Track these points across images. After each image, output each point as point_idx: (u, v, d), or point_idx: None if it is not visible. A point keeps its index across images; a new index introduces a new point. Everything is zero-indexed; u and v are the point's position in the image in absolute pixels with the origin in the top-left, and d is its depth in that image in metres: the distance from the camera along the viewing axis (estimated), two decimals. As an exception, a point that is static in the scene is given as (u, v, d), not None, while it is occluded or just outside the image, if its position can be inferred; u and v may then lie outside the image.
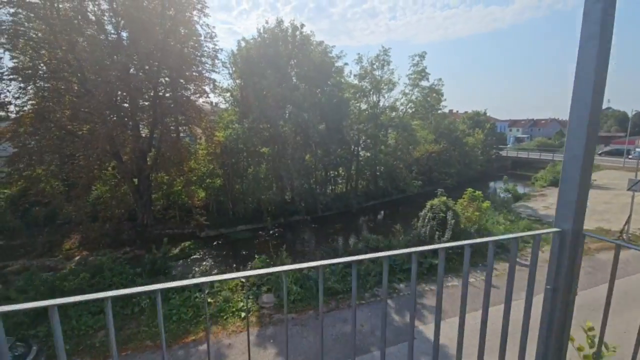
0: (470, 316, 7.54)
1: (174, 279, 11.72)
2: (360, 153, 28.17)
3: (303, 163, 22.33)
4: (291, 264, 10.48)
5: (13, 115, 13.56)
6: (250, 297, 10.93)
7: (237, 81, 21.80)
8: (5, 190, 19.16)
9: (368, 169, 28.41)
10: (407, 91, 29.75)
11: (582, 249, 1.69)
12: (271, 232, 20.47)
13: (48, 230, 18.64)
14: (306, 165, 23.07)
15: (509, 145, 63.12)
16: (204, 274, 13.07)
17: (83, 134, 15.12)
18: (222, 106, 24.68)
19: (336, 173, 26.77)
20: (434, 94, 29.28)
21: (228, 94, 22.49)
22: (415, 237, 14.74)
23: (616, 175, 34.81)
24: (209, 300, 10.53)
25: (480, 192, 16.87)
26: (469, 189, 17.24)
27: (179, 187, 20.28)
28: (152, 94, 16.39)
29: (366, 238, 15.21)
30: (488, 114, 51.29)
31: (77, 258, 16.01)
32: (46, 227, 18.87)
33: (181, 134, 19.68)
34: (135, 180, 18.02)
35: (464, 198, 17.20)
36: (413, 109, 29.58)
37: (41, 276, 11.01)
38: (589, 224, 19.16)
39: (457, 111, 60.62)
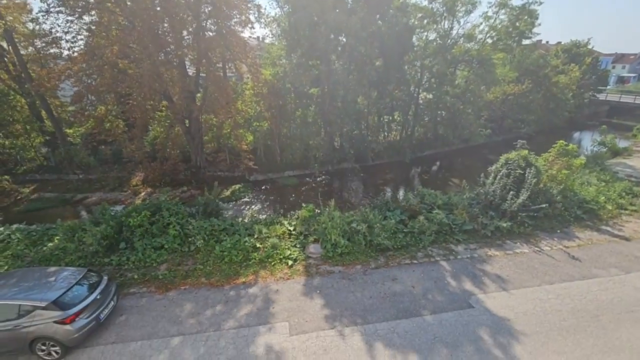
0: (542, 290, 5.97)
1: (224, 221, 11.99)
2: (421, 95, 24.86)
3: (355, 106, 20.43)
4: (339, 214, 9.77)
5: (66, 52, 13.91)
6: (297, 245, 10.76)
7: (285, 7, 19.45)
8: (79, 129, 21.01)
9: (428, 114, 25.32)
10: (490, 13, 24.13)
11: None
12: (318, 179, 19.99)
13: (117, 167, 20.47)
14: (358, 109, 21.12)
15: (609, 87, 51.74)
16: (253, 218, 13.24)
17: (132, 72, 15.13)
18: (268, 41, 22.93)
19: (391, 118, 24.33)
20: (526, 16, 23.23)
21: (275, 25, 20.44)
22: (481, 195, 12.90)
23: None
24: (258, 245, 10.60)
25: (574, 146, 13.84)
26: (560, 141, 14.22)
27: (228, 130, 20.25)
28: (194, 25, 15.40)
29: (422, 193, 13.75)
30: (590, 46, 41.11)
31: (142, 194, 17.45)
32: (115, 164, 20.70)
33: (227, 73, 18.88)
34: (187, 121, 18.22)
35: (550, 152, 14.34)
36: (495, 38, 24.16)
37: (111, 211, 12.03)
38: None
39: (548, 42, 49.81)
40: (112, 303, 7.69)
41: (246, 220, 12.79)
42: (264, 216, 14.38)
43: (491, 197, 12.46)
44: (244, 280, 9.21)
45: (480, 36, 24.28)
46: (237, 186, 19.23)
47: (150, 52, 13.49)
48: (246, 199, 18.29)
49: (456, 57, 22.46)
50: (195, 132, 18.31)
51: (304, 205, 12.64)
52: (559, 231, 11.94)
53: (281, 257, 10.13)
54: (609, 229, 12.10)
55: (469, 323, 7.57)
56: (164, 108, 18.63)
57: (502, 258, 10.33)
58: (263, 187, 19.98)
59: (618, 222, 12.51)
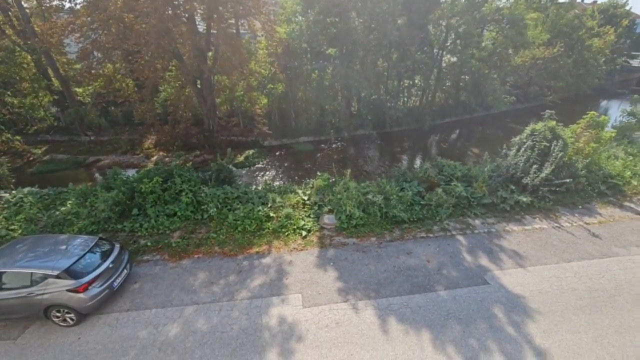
0: (559, 267, 5.65)
1: (238, 189, 11.89)
2: (444, 58, 23.15)
3: (374, 69, 19.22)
4: (355, 184, 9.48)
5: (68, 4, 13.01)
6: (311, 216, 10.67)
7: (302, -44, 17.65)
8: (88, 88, 20.52)
9: (450, 79, 23.77)
10: (525, -35, 21.50)
11: None
12: (334, 145, 19.52)
13: (128, 129, 20.27)
14: (377, 72, 19.89)
15: (646, 52, 47.44)
16: (267, 186, 13.10)
17: (139, 28, 14.22)
18: (283, -6, 21.12)
19: (411, 83, 22.97)
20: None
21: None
22: (502, 167, 12.34)
23: None
24: (272, 214, 10.55)
25: (606, 118, 12.86)
26: (591, 112, 13.19)
27: (241, 92, 19.48)
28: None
29: (440, 163, 13.24)
30: (628, 7, 37.10)
31: (155, 157, 17.39)
32: (126, 126, 20.47)
33: (240, 30, 17.69)
34: (198, 82, 17.51)
35: (579, 123, 13.40)
36: (529, -6, 21.85)
37: (123, 175, 11.97)
38: None
39: (583, 0, 45.05)
40: (125, 271, 7.79)
41: (260, 188, 12.66)
42: (278, 184, 14.25)
43: (513, 169, 11.90)
44: (257, 250, 9.27)
45: (514, -8, 21.85)
46: (251, 151, 18.98)
47: (156, 6, 12.53)
48: (260, 165, 18.10)
49: (485, 16, 20.40)
50: (208, 94, 17.67)
51: (319, 173, 12.37)
52: (580, 207, 11.51)
53: (295, 227, 10.09)
54: (632, 205, 11.60)
55: (484, 300, 7.54)
56: (173, 68, 17.85)
57: (520, 234, 10.08)
58: (277, 153, 19.67)
59: (642, 199, 11.96)
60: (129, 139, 19.21)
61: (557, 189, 11.47)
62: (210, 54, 17.34)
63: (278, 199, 11.21)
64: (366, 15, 17.02)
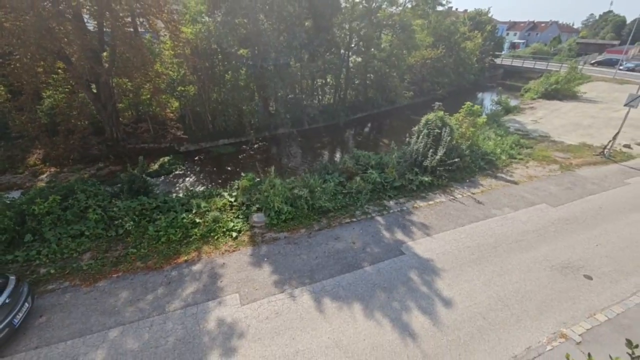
0: (456, 231, 7.33)
1: (156, 198, 11.06)
2: (351, 59, 25.22)
3: (288, 69, 19.78)
4: (280, 181, 9.89)
5: None
6: (240, 216, 10.65)
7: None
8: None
9: (358, 77, 26.01)
10: (409, -21, 24.92)
11: None
12: (255, 146, 19.48)
13: (3, 144, 16.64)
14: (291, 72, 20.54)
15: (503, 53, 59.36)
16: (190, 192, 12.46)
17: (10, 25, 11.85)
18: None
19: (324, 82, 24.36)
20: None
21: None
22: (407, 154, 14.26)
23: (604, 88, 34.28)
24: (198, 220, 10.18)
25: (479, 107, 15.94)
26: (467, 102, 16.18)
27: (147, 96, 17.84)
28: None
29: (356, 154, 14.59)
30: (490, 15, 46.00)
31: (45, 175, 14.76)
32: (0, 141, 16.78)
33: (140, 29, 16.15)
34: (93, 87, 15.43)
35: (460, 112, 16.29)
36: (414, 3, 25.34)
37: (5, 199, 9.96)
38: (573, 139, 19.41)
39: (457, 9, 53.92)
40: (27, 305, 6.73)
41: (181, 195, 12.00)
42: (202, 189, 13.66)
43: (415, 155, 13.87)
44: (185, 258, 8.89)
45: (401, 0, 25.12)
46: (166, 158, 17.60)
47: (32, 1, 10.61)
48: (178, 172, 16.96)
49: (381, 21, 23.02)
50: (107, 98, 15.69)
51: (243, 174, 12.34)
52: (467, 181, 14.05)
53: (224, 229, 9.96)
54: (503, 175, 14.67)
55: (401, 268, 8.75)
56: (60, 70, 15.30)
57: (426, 208, 11.86)
58: (196, 158, 18.68)
59: (510, 170, 15.20)
60: (6, 156, 15.78)
61: (450, 168, 13.80)
62: (105, 54, 15.45)
63: (203, 204, 10.85)
64: (274, 18, 17.45)
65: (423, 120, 14.58)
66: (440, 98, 29.71)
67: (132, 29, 15.21)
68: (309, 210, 11.08)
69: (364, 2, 22.33)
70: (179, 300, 7.50)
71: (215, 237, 9.69)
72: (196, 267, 8.58)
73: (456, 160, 13.78)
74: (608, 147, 16.69)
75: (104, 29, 14.64)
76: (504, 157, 16.01)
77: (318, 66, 20.73)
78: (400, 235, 10.21)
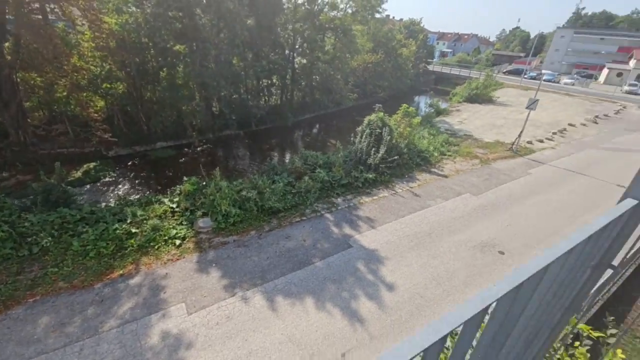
0: (397, 222, 7.98)
1: (80, 209, 9.84)
2: (296, 60, 25.44)
3: (230, 68, 19.18)
4: (227, 184, 9.62)
5: None
6: (184, 222, 10.04)
7: None
8: None
9: (304, 79, 26.33)
10: (348, -16, 26.00)
11: None
12: (199, 149, 18.50)
13: None
14: (234, 71, 19.95)
15: (435, 60, 65.30)
16: (123, 200, 11.32)
17: None
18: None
19: (269, 82, 24.16)
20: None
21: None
22: (353, 153, 14.90)
23: (513, 93, 39.73)
24: (134, 230, 9.33)
25: (413, 109, 17.31)
26: (404, 105, 17.47)
27: (63, 93, 15.73)
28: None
29: (304, 155, 14.79)
30: (422, 25, 50.33)
31: None
32: None
33: (50, 16, 14.15)
34: (-8, 82, 13.14)
35: (397, 114, 17.53)
36: (354, 9, 26.61)
37: None
38: (490, 137, 22.18)
39: (394, 17, 57.92)
40: None
41: (113, 205, 10.86)
42: (138, 196, 12.52)
43: (360, 153, 14.56)
44: (121, 272, 8.09)
45: (342, 5, 26.20)
46: (92, 164, 15.71)
47: None
48: (108, 179, 15.27)
49: (323, 24, 23.70)
50: (10, 96, 13.44)
51: (185, 178, 11.65)
52: (406, 176, 15.17)
53: (166, 238, 9.29)
54: (436, 170, 16.15)
55: (350, 260, 9.13)
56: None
57: (371, 203, 12.51)
58: (130, 163, 17.02)
59: (441, 165, 16.79)
60: None
61: (391, 165, 14.76)
62: (7, 44, 13.26)
63: (140, 212, 9.98)
64: (212, 14, 16.76)
65: (366, 120, 15.38)
66: (381, 100, 31.54)
67: (40, 16, 13.28)
68: (259, 212, 10.91)
69: (306, 4, 22.74)
70: (115, 319, 6.80)
71: (156, 247, 8.99)
72: (134, 281, 7.87)
73: (396, 157, 14.81)
74: (515, 143, 19.43)
75: (6, 16, 12.54)
76: (436, 154, 17.63)
77: (263, 66, 20.49)
78: (348, 230, 10.63)
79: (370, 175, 13.82)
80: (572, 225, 11.42)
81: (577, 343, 2.69)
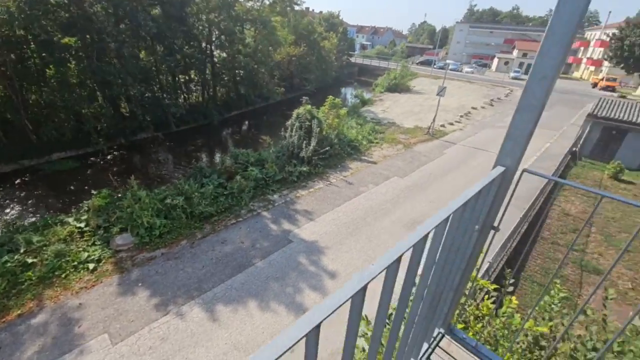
0: (334, 212, 8.31)
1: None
2: (215, 53, 23.92)
3: (138, 63, 17.13)
4: (147, 192, 8.73)
5: None
6: (97, 243, 8.77)
7: None
8: None
9: (226, 74, 24.98)
10: (264, -26, 25.30)
11: (517, 185, 1.53)
12: (109, 157, 16.23)
13: None
14: (143, 67, 17.87)
15: (356, 52, 68.34)
16: (12, 226, 9.33)
17: None
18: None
19: (187, 78, 22.30)
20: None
21: None
22: (284, 147, 14.78)
23: (426, 82, 44.00)
24: (31, 260, 7.81)
25: (339, 100, 17.88)
26: (330, 96, 17.93)
27: None
28: None
29: (234, 153, 14.15)
30: (341, 18, 51.98)
31: None
32: None
33: None
34: None
35: (325, 105, 17.93)
36: (272, 0, 26.01)
37: None
38: (410, 123, 24.29)
39: (313, 10, 58.60)
40: None
41: (-3, 233, 8.91)
42: (33, 219, 10.50)
43: (292, 147, 14.53)
44: (19, 312, 6.74)
45: (258, -5, 25.46)
46: (-41, 188, 12.58)
47: None
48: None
49: (241, 16, 22.69)
50: None
51: (94, 192, 10.15)
52: (339, 166, 15.70)
53: (75, 263, 8.00)
54: (366, 158, 17.06)
55: (291, 255, 9.12)
56: None
57: (307, 196, 12.64)
58: (18, 181, 14.10)
59: (370, 152, 17.80)
60: None
61: (323, 156, 15.08)
62: None
63: (36, 239, 8.39)
64: (105, 1, 14.55)
65: (294, 114, 15.37)
66: (309, 93, 31.90)
67: None
68: (189, 219, 10.13)
69: (219, -7, 21.41)
70: (15, 369, 5.65)
71: (63, 276, 7.68)
72: (38, 320, 6.63)
73: (328, 148, 15.19)
74: (430, 127, 21.65)
75: None
76: (365, 142, 18.60)
77: (177, 60, 18.74)
78: (287, 226, 10.58)
79: (304, 168, 13.93)
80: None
81: (486, 297, 3.10)
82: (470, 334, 2.47)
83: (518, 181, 1.54)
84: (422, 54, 74.22)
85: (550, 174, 14.55)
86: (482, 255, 2.79)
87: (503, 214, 1.63)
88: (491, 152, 18.25)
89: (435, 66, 55.56)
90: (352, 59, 57.63)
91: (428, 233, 1.12)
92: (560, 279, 9.28)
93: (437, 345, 1.96)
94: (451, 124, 24.26)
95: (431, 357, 1.89)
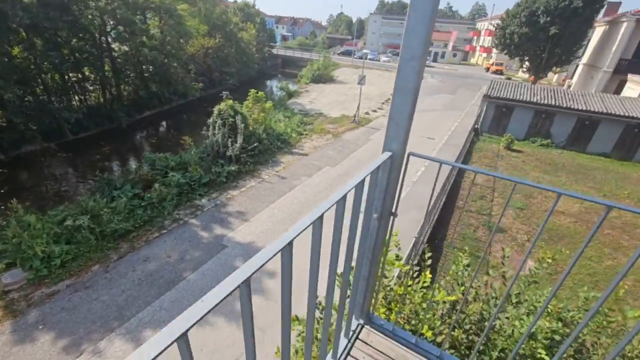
0: (269, 209, 8.17)
1: None
2: (114, 47, 20.88)
3: (11, 62, 13.98)
4: (37, 216, 7.33)
5: None
6: (-27, 288, 7.02)
7: None
8: None
9: (131, 69, 22.09)
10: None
11: (406, 169, 1.56)
12: (-18, 178, 13.09)
13: None
14: (18, 66, 14.65)
15: (277, 44, 67.26)
16: None
17: None
18: None
19: (81, 76, 19.06)
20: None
21: None
22: (208, 147, 13.79)
23: (348, 72, 45.72)
24: None
25: (262, 93, 17.34)
26: (252, 90, 17.27)
27: None
28: None
29: (150, 158, 12.69)
30: (257, 7, 50.30)
31: None
32: None
33: None
34: None
35: (248, 100, 17.23)
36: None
37: None
38: (336, 112, 24.99)
39: None
40: None
41: None
42: None
43: (216, 146, 13.65)
44: None
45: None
46: None
47: None
48: None
49: (139, 3, 20.13)
50: None
51: (-41, 226, 8.07)
52: (270, 161, 15.35)
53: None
54: (297, 150, 17.01)
55: (226, 261, 8.62)
56: None
57: (239, 196, 12.07)
58: None
59: (300, 145, 17.80)
60: None
61: (252, 153, 14.54)
62: None
63: None
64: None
65: (215, 111, 14.43)
66: (233, 88, 30.39)
67: None
68: (99, 240, 8.80)
69: (110, -24, 18.53)
70: None
71: None
72: None
73: (256, 144, 14.68)
74: (356, 116, 22.60)
75: None
76: (294, 135, 18.51)
77: (63, 56, 15.75)
78: (219, 230, 9.96)
79: (233, 168, 13.25)
80: (408, 176, 14.24)
81: (411, 275, 3.25)
82: (393, 315, 2.53)
83: (406, 165, 1.54)
84: (342, 45, 76.77)
85: (458, 150, 16.49)
86: (395, 237, 2.90)
87: (398, 199, 1.63)
88: (412, 134, 19.86)
89: (355, 56, 58.02)
90: (274, 51, 56.62)
91: (310, 224, 1.07)
92: (474, 241, 10.62)
93: (356, 338, 1.93)
94: (374, 110, 25.67)
95: (351, 352, 1.85)
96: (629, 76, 23.59)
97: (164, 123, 24.01)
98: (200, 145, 14.56)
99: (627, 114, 17.49)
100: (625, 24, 25.32)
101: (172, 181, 11.36)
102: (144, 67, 22.36)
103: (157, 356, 0.57)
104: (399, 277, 3.02)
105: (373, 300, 2.05)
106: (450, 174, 13.69)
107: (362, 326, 2.00)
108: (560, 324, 2.51)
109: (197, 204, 11.32)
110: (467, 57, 73.74)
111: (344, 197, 1.25)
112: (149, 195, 10.65)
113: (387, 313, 2.23)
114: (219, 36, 28.80)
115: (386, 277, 2.83)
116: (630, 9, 26.07)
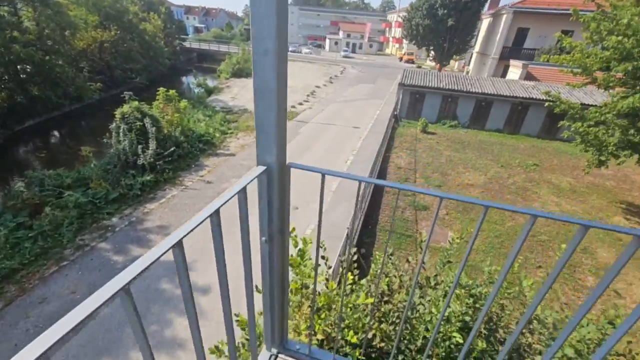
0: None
1: None
2: (-33, 42, 16.52)
3: None
4: None
5: None
6: None
7: None
8: None
9: (1, 71, 17.88)
10: None
11: (289, 183, 1.38)
12: None
13: None
14: None
15: (190, 36, 62.18)
16: None
17: None
18: None
19: None
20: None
21: None
22: (114, 157, 11.96)
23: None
24: None
25: (174, 91, 15.71)
26: (162, 88, 15.52)
27: None
28: None
29: (36, 178, 10.48)
30: (161, -4, 45.47)
31: None
32: None
33: None
34: None
35: (158, 100, 15.46)
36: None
37: None
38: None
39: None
40: None
41: None
42: None
43: (124, 155, 11.95)
44: None
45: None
46: None
47: None
48: None
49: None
50: None
51: None
52: (193, 166, 14.12)
53: None
54: (222, 151, 15.99)
55: (149, 285, 7.60)
56: None
57: (159, 209, 10.81)
58: None
59: (226, 145, 16.78)
60: None
61: (170, 159, 13.13)
62: None
63: None
64: None
65: (118, 114, 12.59)
66: (141, 87, 27.01)
67: None
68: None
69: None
70: None
71: None
72: None
73: (173, 149, 13.30)
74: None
75: None
76: (217, 135, 17.36)
77: None
78: (137, 251, 8.77)
79: (148, 177, 11.79)
80: (339, 165, 14.42)
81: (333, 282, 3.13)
82: (317, 327, 2.37)
83: (289, 176, 1.34)
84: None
85: (381, 137, 17.45)
86: (309, 247, 2.74)
87: (288, 217, 1.41)
88: (339, 125, 20.35)
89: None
90: (188, 44, 52.29)
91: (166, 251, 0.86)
92: (403, 221, 11.35)
93: (270, 373, 1.70)
94: (300, 103, 25.60)
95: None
96: (511, 61, 27.84)
97: (55, 133, 20.23)
98: (104, 156, 12.60)
99: (512, 95, 20.65)
100: (505, 16, 29.73)
101: (69, 201, 9.58)
102: (18, 67, 18.28)
103: None
104: (325, 284, 2.87)
105: (288, 324, 1.83)
106: (377, 161, 14.41)
107: (276, 357, 1.77)
108: (471, 300, 2.67)
109: (106, 224, 9.79)
110: (382, 47, 78.70)
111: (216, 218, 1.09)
112: (38, 223, 8.81)
113: (309, 330, 2.05)
114: (114, 28, 25.07)
115: (307, 288, 2.66)
116: (509, 2, 30.63)
